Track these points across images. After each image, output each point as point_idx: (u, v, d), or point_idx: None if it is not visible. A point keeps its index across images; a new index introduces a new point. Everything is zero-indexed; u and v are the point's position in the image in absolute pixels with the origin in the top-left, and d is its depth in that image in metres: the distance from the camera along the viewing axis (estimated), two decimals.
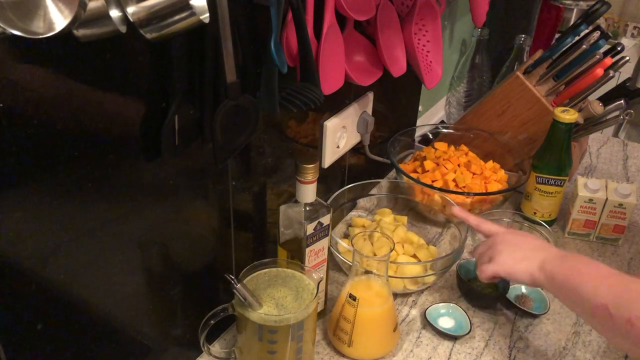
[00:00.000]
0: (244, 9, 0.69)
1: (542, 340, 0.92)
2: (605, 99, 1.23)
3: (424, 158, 1.22)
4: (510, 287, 0.97)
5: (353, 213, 1.17)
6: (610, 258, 1.10)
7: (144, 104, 0.62)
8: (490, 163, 1.22)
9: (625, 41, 2.69)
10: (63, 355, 0.62)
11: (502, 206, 1.19)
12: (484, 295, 0.96)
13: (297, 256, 0.83)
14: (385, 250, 0.88)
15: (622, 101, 1.17)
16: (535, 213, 1.15)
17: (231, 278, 0.72)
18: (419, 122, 1.45)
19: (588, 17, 1.18)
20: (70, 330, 0.62)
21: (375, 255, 0.92)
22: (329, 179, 1.09)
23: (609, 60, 1.13)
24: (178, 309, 0.79)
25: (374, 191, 1.19)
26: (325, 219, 0.82)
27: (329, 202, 1.02)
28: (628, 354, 0.88)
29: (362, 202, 1.17)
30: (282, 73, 0.70)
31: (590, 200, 1.09)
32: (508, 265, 0.81)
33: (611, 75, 1.11)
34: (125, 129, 0.61)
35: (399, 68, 1.00)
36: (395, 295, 0.97)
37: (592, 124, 1.19)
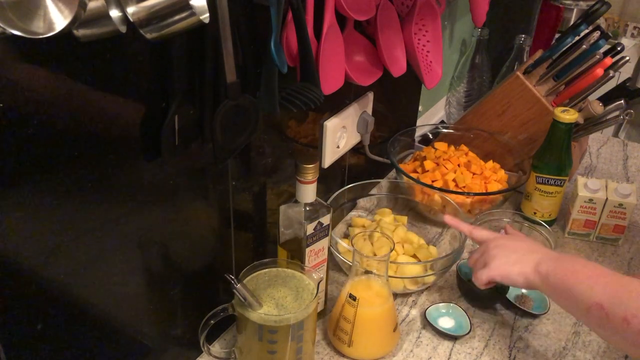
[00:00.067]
0: (244, 9, 0.69)
1: (542, 340, 0.92)
2: (605, 99, 1.23)
3: (424, 158, 1.22)
4: (510, 287, 0.97)
5: (353, 213, 1.17)
6: (610, 258, 1.10)
7: (144, 104, 0.62)
8: (490, 163, 1.23)
9: (625, 41, 2.69)
10: (63, 355, 0.62)
11: (502, 206, 1.19)
12: (484, 295, 0.96)
13: (297, 256, 0.83)
14: (385, 250, 0.88)
15: (622, 101, 1.17)
16: (535, 213, 1.15)
17: (231, 278, 0.72)
18: (419, 122, 1.45)
19: (588, 17, 1.18)
20: (70, 330, 0.62)
21: (375, 255, 0.92)
22: (329, 179, 1.09)
23: (609, 60, 1.13)
24: (178, 309, 0.79)
25: (374, 191, 1.19)
26: (325, 219, 0.82)
27: (329, 202, 1.02)
28: (626, 354, 0.88)
29: (362, 202, 1.17)
30: (282, 73, 0.70)
31: (590, 200, 1.09)
32: (503, 268, 0.81)
33: (611, 75, 1.11)
34: (125, 129, 0.61)
35: (399, 68, 1.00)
36: (395, 295, 0.97)
37: (592, 124, 1.19)
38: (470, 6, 1.17)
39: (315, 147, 0.99)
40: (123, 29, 0.47)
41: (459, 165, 1.18)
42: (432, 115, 1.57)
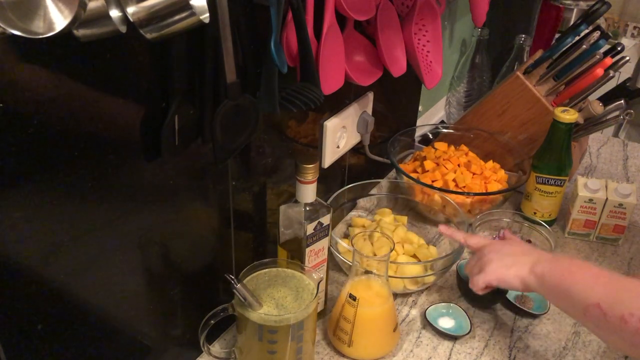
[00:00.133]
0: (244, 9, 0.69)
1: (542, 340, 0.92)
2: (605, 99, 1.23)
3: (424, 158, 1.22)
4: None
5: (353, 213, 1.17)
6: (610, 258, 1.10)
7: (144, 104, 0.62)
8: (490, 163, 1.22)
9: (625, 41, 2.69)
10: (63, 355, 0.62)
11: (502, 206, 1.19)
12: (484, 295, 0.96)
13: (297, 256, 0.83)
14: (385, 250, 0.88)
15: (622, 101, 1.17)
16: (535, 213, 1.15)
17: (231, 278, 0.72)
18: (419, 122, 1.45)
19: (588, 17, 1.18)
20: (70, 330, 0.62)
21: (375, 255, 0.92)
22: (329, 179, 1.09)
23: (609, 60, 1.13)
24: (178, 309, 0.79)
25: (374, 191, 1.20)
26: (325, 219, 0.82)
27: (329, 202, 1.02)
28: (625, 354, 0.88)
29: (362, 202, 1.17)
30: (282, 73, 0.70)
31: (590, 200, 1.09)
32: (499, 272, 0.81)
33: (611, 75, 1.11)
34: (125, 129, 0.61)
35: (399, 68, 1.00)
36: (395, 295, 0.97)
37: (592, 124, 1.19)
38: (470, 6, 1.17)
39: (315, 147, 0.99)
40: (123, 29, 0.47)
41: (459, 165, 1.18)
42: (432, 115, 1.57)
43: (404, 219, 1.13)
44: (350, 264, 0.84)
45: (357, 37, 0.93)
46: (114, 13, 0.46)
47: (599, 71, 1.12)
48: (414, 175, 1.18)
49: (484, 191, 1.16)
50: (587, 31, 1.21)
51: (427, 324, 0.93)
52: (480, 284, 0.83)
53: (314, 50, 0.78)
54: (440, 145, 1.26)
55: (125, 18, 0.47)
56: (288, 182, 0.93)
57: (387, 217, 1.10)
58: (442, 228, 0.97)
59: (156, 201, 0.69)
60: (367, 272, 0.83)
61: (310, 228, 0.80)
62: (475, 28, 1.47)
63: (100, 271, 0.64)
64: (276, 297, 0.77)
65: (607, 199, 1.08)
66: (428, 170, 1.18)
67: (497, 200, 1.16)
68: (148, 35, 0.48)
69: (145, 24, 0.48)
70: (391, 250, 0.81)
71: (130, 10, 0.47)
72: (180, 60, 0.61)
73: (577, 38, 1.21)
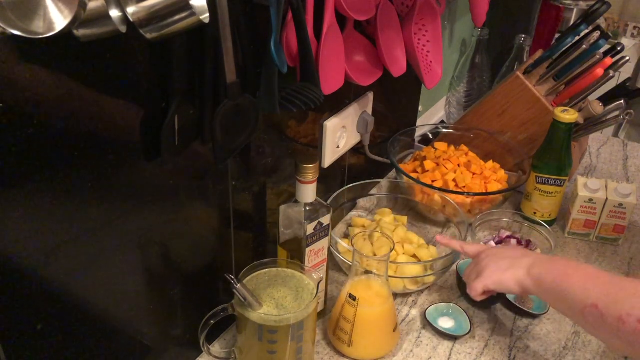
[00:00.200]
0: (244, 9, 0.69)
1: (542, 340, 0.92)
2: (605, 99, 1.23)
3: (424, 158, 1.22)
4: None
5: (353, 213, 1.17)
6: (610, 258, 1.10)
7: (144, 103, 0.62)
8: (490, 163, 1.23)
9: (625, 41, 2.69)
10: (63, 355, 0.62)
11: (502, 206, 1.19)
12: None
13: (297, 256, 0.83)
14: (385, 250, 0.88)
15: (622, 101, 1.17)
16: (535, 213, 1.15)
17: (231, 278, 0.72)
18: (419, 122, 1.45)
19: (588, 17, 1.18)
20: (70, 330, 0.62)
21: (375, 255, 0.92)
22: (329, 179, 1.09)
23: (609, 60, 1.13)
24: (178, 309, 0.79)
25: (374, 191, 1.20)
26: (325, 219, 0.82)
27: (329, 202, 1.02)
28: (624, 355, 0.88)
29: (362, 202, 1.17)
30: (282, 73, 0.70)
31: (590, 200, 1.09)
32: (496, 276, 0.81)
33: (611, 75, 1.11)
34: (125, 129, 0.61)
35: (399, 68, 1.00)
36: (395, 295, 0.97)
37: (592, 124, 1.19)
38: (470, 6, 1.17)
39: (315, 147, 0.99)
40: (123, 29, 0.47)
41: (459, 165, 1.18)
42: (432, 115, 1.57)
43: (404, 219, 1.13)
44: (350, 264, 0.84)
45: (357, 37, 0.93)
46: (114, 13, 0.46)
47: (599, 71, 1.12)
48: (414, 175, 1.18)
49: (484, 191, 1.16)
50: (587, 31, 1.21)
51: (427, 324, 0.93)
52: (478, 289, 0.83)
53: (314, 50, 0.78)
54: (440, 145, 1.26)
55: (125, 18, 0.47)
56: (288, 182, 0.93)
57: (387, 217, 1.10)
58: (439, 237, 0.97)
59: (156, 201, 0.69)
60: (367, 272, 0.83)
61: (310, 228, 0.80)
62: (475, 28, 1.47)
63: (100, 271, 0.64)
64: (276, 297, 0.77)
65: (607, 199, 1.08)
66: (428, 170, 1.18)
67: (497, 200, 1.16)
68: (148, 35, 0.48)
69: (145, 24, 0.48)
70: (391, 250, 0.81)
71: (130, 10, 0.47)
72: (180, 60, 0.61)
73: (577, 38, 1.21)
